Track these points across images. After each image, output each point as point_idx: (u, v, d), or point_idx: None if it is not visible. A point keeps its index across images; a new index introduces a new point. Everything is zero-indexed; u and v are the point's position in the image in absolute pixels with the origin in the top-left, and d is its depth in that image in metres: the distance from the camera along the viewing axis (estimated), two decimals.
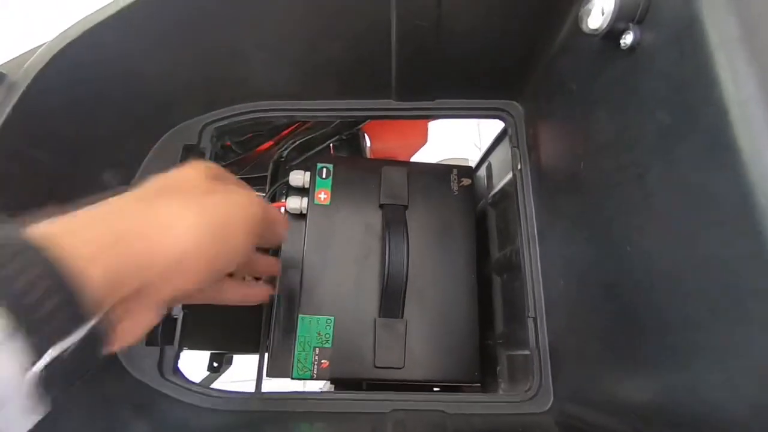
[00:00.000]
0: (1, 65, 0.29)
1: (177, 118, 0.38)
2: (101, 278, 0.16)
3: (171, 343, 0.34)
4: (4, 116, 0.26)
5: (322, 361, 0.38)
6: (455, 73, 0.35)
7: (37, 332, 0.14)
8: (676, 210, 0.19)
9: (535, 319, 0.33)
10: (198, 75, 0.36)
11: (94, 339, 0.16)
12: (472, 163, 0.55)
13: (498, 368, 0.43)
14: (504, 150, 0.46)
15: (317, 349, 0.39)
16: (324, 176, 0.45)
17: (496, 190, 0.46)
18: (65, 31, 0.28)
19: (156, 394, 0.31)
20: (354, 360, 0.38)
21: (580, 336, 0.27)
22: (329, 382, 0.54)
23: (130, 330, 0.19)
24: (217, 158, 0.56)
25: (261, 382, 0.48)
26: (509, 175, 0.42)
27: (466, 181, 0.46)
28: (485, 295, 0.45)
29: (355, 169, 0.46)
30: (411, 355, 0.39)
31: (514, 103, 0.38)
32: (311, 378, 0.38)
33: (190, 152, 0.38)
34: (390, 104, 0.39)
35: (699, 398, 0.18)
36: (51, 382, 0.15)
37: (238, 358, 0.62)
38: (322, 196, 0.44)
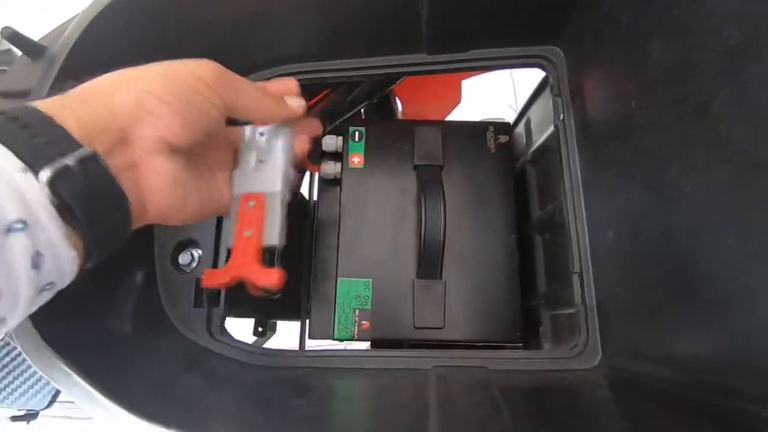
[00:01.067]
0: (41, 38, 0.29)
1: None
2: (74, 122, 0.19)
3: (217, 305, 0.35)
4: (47, 89, 0.27)
5: (363, 322, 0.39)
6: (490, 18, 0.33)
7: (31, 156, 0.18)
8: (744, 139, 0.17)
9: (581, 275, 0.31)
10: (225, 42, 0.36)
11: (96, 171, 0.19)
12: (510, 123, 0.53)
13: (541, 329, 0.42)
14: (543, 103, 0.44)
15: (357, 310, 0.39)
16: (357, 140, 0.44)
17: (535, 146, 0.44)
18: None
19: (206, 352, 0.32)
20: (394, 321, 0.39)
21: (632, 288, 0.26)
22: (369, 344, 0.55)
23: (153, 180, 0.22)
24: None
25: (304, 343, 0.49)
26: (550, 129, 0.40)
27: (504, 139, 0.44)
28: (526, 256, 0.44)
29: (388, 131, 0.45)
30: (451, 315, 0.38)
31: (555, 48, 0.36)
32: (352, 338, 0.39)
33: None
34: (422, 58, 0.37)
35: (763, 345, 0.17)
36: (71, 202, 0.18)
37: (281, 328, 0.65)
38: (356, 160, 0.44)
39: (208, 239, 0.37)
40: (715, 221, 0.19)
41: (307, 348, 0.39)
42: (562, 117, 0.35)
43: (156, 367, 0.25)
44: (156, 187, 0.23)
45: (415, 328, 0.38)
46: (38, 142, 0.18)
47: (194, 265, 0.37)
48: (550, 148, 0.41)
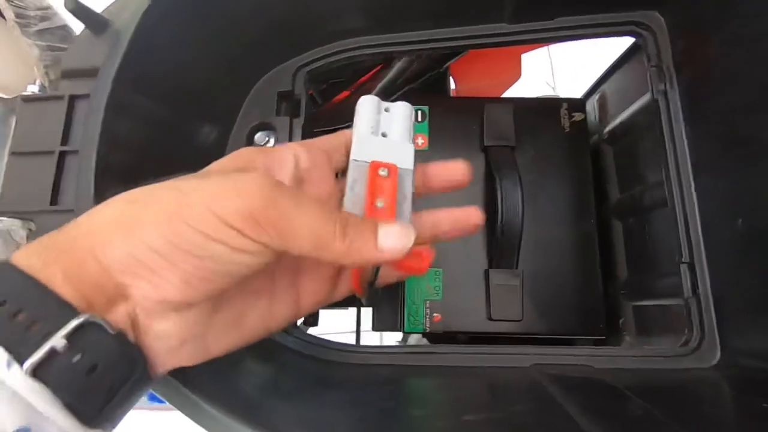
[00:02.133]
0: (103, 11, 0.27)
1: (269, 61, 0.36)
2: (62, 279, 0.15)
3: None
4: (116, 68, 0.25)
5: (434, 314, 0.37)
6: None
7: (21, 352, 0.14)
8: None
9: (691, 265, 0.28)
10: (287, 11, 0.33)
11: (94, 343, 0.15)
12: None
13: (621, 320, 0.39)
14: (626, 75, 0.40)
15: (428, 302, 0.37)
16: (420, 120, 0.41)
17: (614, 123, 0.40)
18: None
19: (277, 346, 0.30)
20: (466, 312, 0.36)
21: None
22: (422, 336, 0.53)
23: (156, 346, 0.17)
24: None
25: (359, 336, 0.47)
26: (638, 103, 0.37)
27: (579, 116, 0.41)
28: (603, 242, 0.41)
29: (453, 110, 0.42)
30: (528, 307, 0.36)
31: (654, 13, 0.32)
32: (423, 331, 0.37)
33: (285, 100, 0.36)
34: (502, 28, 0.34)
35: None
36: (61, 393, 0.15)
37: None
38: (419, 141, 0.41)
39: None
40: None
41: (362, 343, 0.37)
42: (663, 89, 0.31)
43: (225, 364, 0.23)
44: (159, 348, 0.17)
45: (489, 320, 0.36)
46: (20, 322, 0.15)
47: None
48: (637, 124, 0.37)
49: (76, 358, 0.15)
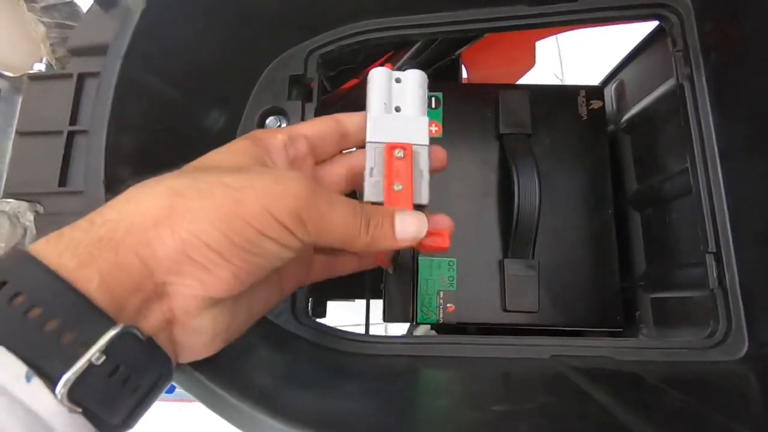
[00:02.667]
0: None
1: (282, 43, 0.35)
2: (99, 284, 0.14)
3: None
4: (126, 45, 0.24)
5: (448, 305, 0.36)
6: None
7: (49, 365, 0.13)
8: None
9: (717, 255, 0.28)
10: None
11: (133, 350, 0.15)
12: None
13: (638, 313, 0.38)
14: (647, 62, 0.39)
15: (442, 292, 0.36)
16: (434, 107, 0.40)
17: (633, 112, 0.39)
18: None
19: (290, 336, 0.30)
20: (480, 303, 0.36)
21: None
22: (431, 328, 0.52)
23: (191, 341, 0.17)
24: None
25: (369, 327, 0.47)
26: (659, 90, 0.36)
27: (597, 104, 0.40)
28: (619, 234, 0.40)
29: (468, 97, 0.41)
30: (544, 298, 0.35)
31: None
32: (437, 322, 0.36)
33: (297, 84, 0.35)
34: (522, 10, 0.33)
35: None
36: (94, 408, 0.14)
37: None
38: (433, 128, 0.40)
39: None
40: None
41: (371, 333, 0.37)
42: (690, 74, 0.30)
43: (242, 351, 0.23)
44: (193, 344, 0.17)
45: (505, 311, 0.35)
46: (50, 332, 0.13)
47: None
48: (658, 112, 0.36)
49: (111, 370, 0.14)
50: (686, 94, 0.30)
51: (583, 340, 0.29)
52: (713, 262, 0.28)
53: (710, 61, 0.29)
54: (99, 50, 0.24)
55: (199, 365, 0.18)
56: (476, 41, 0.44)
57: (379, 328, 0.86)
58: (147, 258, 0.15)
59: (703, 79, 0.30)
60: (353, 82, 0.52)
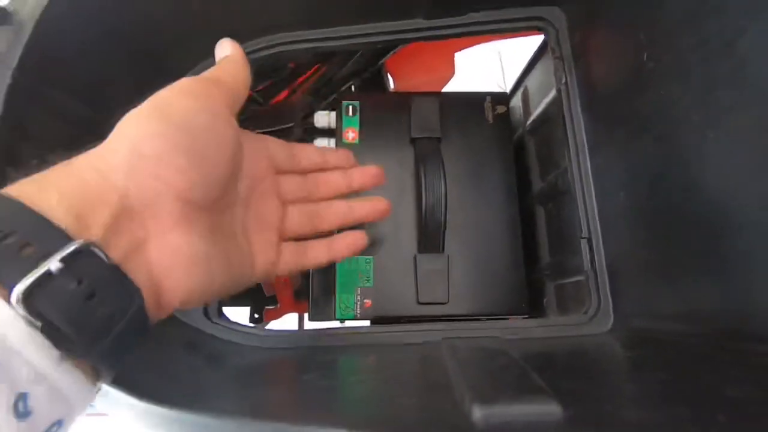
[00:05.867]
0: (7, 4, 0.27)
1: (196, 57, 0.36)
2: (58, 201, 0.15)
3: None
4: (18, 56, 0.25)
5: (365, 300, 0.38)
6: None
7: (4, 273, 0.13)
8: None
9: (589, 240, 0.31)
10: (211, 6, 0.34)
11: (98, 270, 0.15)
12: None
13: (545, 300, 0.41)
14: (541, 70, 0.43)
15: (359, 288, 0.38)
16: (351, 114, 0.43)
17: (534, 115, 0.43)
18: None
19: (204, 335, 0.31)
20: (397, 297, 0.38)
21: (649, 247, 0.25)
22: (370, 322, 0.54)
23: (168, 261, 0.17)
24: None
25: (303, 325, 0.48)
26: (551, 95, 0.39)
27: (501, 109, 0.43)
28: (528, 229, 0.43)
29: (383, 105, 0.43)
30: (455, 289, 0.38)
31: (555, 8, 0.35)
32: (355, 318, 0.38)
33: None
34: (419, 24, 0.36)
35: None
36: (57, 319, 0.14)
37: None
38: (350, 135, 0.42)
39: None
40: (742, 166, 0.18)
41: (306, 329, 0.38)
42: (564, 80, 0.34)
43: (156, 351, 0.24)
44: (173, 270, 0.17)
45: (419, 303, 0.37)
46: (10, 245, 0.13)
47: None
48: (551, 115, 0.40)
49: (73, 283, 0.14)
50: (563, 99, 0.34)
51: (473, 324, 0.31)
52: (586, 246, 0.31)
53: (580, 67, 0.33)
54: None
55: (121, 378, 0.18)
56: (394, 52, 0.47)
57: None
58: (103, 169, 0.16)
59: (575, 84, 0.33)
60: (283, 94, 0.54)
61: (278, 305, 0.51)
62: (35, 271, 0.13)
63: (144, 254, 0.17)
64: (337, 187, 0.28)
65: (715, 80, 0.19)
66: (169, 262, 0.17)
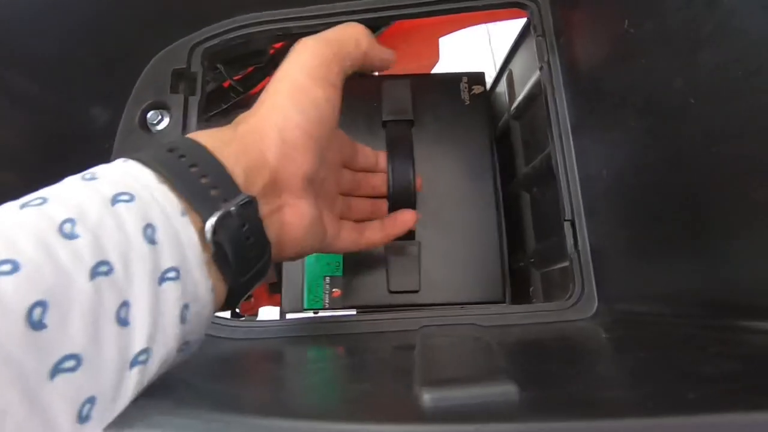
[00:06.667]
0: None
1: (162, 40, 0.35)
2: (236, 163, 0.19)
3: None
4: None
5: (334, 290, 0.36)
6: None
7: (201, 206, 0.17)
8: (759, 30, 0.15)
9: (572, 222, 0.29)
10: None
11: (252, 218, 0.18)
12: (489, 80, 0.50)
13: (531, 289, 0.40)
14: (525, 53, 0.41)
15: (327, 278, 0.37)
16: None
17: (519, 99, 0.42)
18: None
19: None
20: (367, 286, 0.36)
21: (633, 227, 0.24)
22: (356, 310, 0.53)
23: (294, 224, 0.21)
24: (214, 100, 0.52)
25: (284, 317, 0.46)
26: (534, 76, 0.38)
27: (478, 89, 0.42)
28: (514, 215, 0.42)
29: (355, 88, 0.41)
30: (427, 277, 0.36)
31: None
32: (323, 308, 0.36)
33: (181, 78, 0.35)
34: (394, 1, 0.34)
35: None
36: (228, 250, 0.17)
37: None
38: None
39: None
40: (724, 133, 0.17)
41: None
42: (547, 58, 0.32)
43: None
44: (297, 229, 0.22)
45: (390, 292, 0.36)
46: (204, 184, 0.17)
47: None
48: (535, 96, 0.38)
49: (240, 225, 0.17)
50: (545, 78, 0.32)
51: (454, 310, 0.30)
52: (570, 229, 0.29)
53: (562, 45, 0.32)
54: None
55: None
56: (376, 36, 0.45)
57: None
58: (261, 148, 0.20)
59: (558, 61, 0.32)
60: (265, 82, 0.53)
61: (252, 299, 0.50)
62: (221, 209, 0.17)
63: (280, 216, 0.21)
64: (374, 191, 0.33)
65: (698, 41, 0.17)
66: (298, 224, 0.22)
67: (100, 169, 0.16)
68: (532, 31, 0.34)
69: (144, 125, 0.34)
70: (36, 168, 0.30)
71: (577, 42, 0.29)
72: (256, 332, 0.29)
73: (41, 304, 0.12)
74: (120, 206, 0.15)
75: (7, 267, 0.11)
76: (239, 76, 0.52)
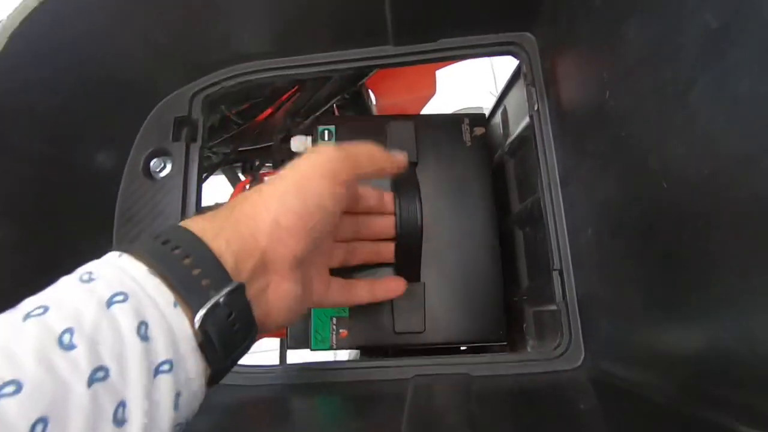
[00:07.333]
0: None
1: (164, 89, 0.36)
2: (226, 249, 0.19)
3: None
4: None
5: (341, 330, 0.37)
6: (459, 4, 0.31)
7: (191, 299, 0.18)
8: (724, 131, 0.16)
9: (560, 272, 0.30)
10: (176, 38, 0.33)
11: (241, 305, 0.19)
12: (488, 112, 0.51)
13: (524, 326, 0.41)
14: (519, 91, 0.42)
15: (334, 318, 0.38)
16: (326, 139, 0.42)
17: (513, 137, 0.42)
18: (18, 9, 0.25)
19: None
20: (373, 327, 0.37)
21: (613, 287, 0.25)
22: (359, 350, 0.53)
23: (278, 302, 0.22)
24: (217, 130, 0.54)
25: (285, 354, 0.47)
26: (527, 119, 0.39)
27: (479, 131, 0.42)
28: (508, 251, 0.42)
29: (359, 129, 0.43)
30: (432, 318, 0.37)
31: (527, 34, 0.34)
32: (330, 348, 0.37)
33: (183, 124, 0.36)
34: (388, 50, 0.35)
35: (755, 349, 0.16)
36: (215, 339, 0.18)
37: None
38: None
39: None
40: (698, 219, 0.18)
41: (289, 362, 0.37)
42: (536, 107, 0.33)
43: None
44: (281, 307, 0.22)
45: (396, 333, 0.37)
46: (195, 276, 0.18)
47: None
48: (527, 139, 0.39)
49: (227, 313, 0.18)
50: (535, 126, 0.33)
51: (447, 358, 0.31)
52: (558, 278, 0.30)
53: (552, 95, 0.32)
54: None
55: None
56: (368, 76, 0.46)
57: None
58: (253, 231, 0.21)
59: (547, 111, 0.33)
60: (267, 112, 0.54)
61: None
62: (210, 301, 0.18)
63: (265, 296, 0.21)
64: (378, 234, 0.33)
65: (670, 130, 0.18)
66: (280, 303, 0.22)
67: (96, 268, 0.17)
68: (523, 79, 0.35)
69: (147, 173, 0.35)
70: (37, 217, 0.31)
71: (565, 98, 0.30)
72: (257, 379, 0.29)
73: (42, 420, 0.13)
74: (115, 308, 0.16)
75: (10, 388, 0.12)
76: (234, 111, 0.53)
